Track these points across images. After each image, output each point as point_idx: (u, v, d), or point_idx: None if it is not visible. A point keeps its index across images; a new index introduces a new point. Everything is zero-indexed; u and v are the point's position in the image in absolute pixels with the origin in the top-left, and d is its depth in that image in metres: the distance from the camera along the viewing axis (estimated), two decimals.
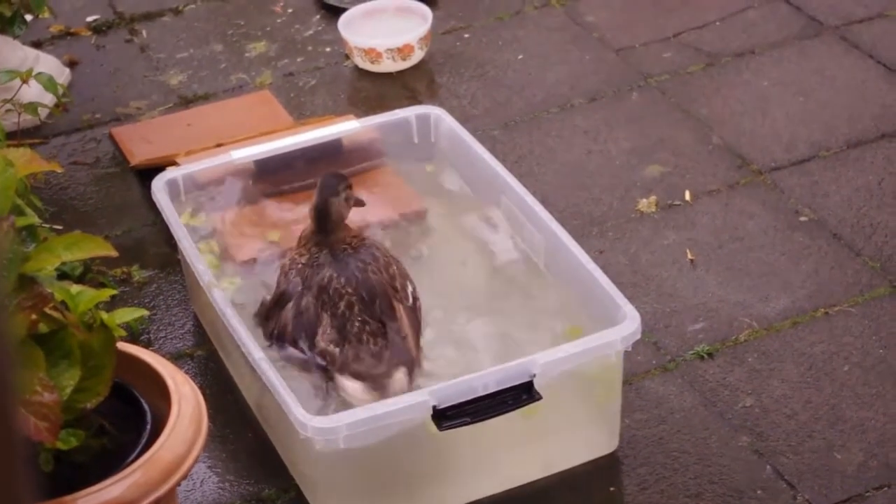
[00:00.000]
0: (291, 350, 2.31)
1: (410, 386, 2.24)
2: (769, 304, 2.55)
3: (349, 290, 2.30)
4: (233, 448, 2.34)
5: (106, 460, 1.86)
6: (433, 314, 2.42)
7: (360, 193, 2.47)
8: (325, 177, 2.40)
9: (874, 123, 2.99)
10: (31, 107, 2.71)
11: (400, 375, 2.24)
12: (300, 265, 2.36)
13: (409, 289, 2.35)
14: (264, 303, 2.39)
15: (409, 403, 2.08)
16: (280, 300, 2.35)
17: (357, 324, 2.28)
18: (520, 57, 3.26)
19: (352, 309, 2.29)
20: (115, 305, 2.36)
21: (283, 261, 2.42)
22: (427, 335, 2.36)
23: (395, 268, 2.35)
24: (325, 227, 2.37)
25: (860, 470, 2.24)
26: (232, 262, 2.53)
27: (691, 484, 2.23)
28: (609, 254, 2.67)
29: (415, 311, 2.34)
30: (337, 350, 2.26)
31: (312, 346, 2.29)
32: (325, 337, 2.28)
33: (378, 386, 2.24)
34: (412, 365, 2.27)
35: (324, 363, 2.28)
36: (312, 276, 2.33)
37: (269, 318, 2.36)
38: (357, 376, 2.25)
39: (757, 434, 2.31)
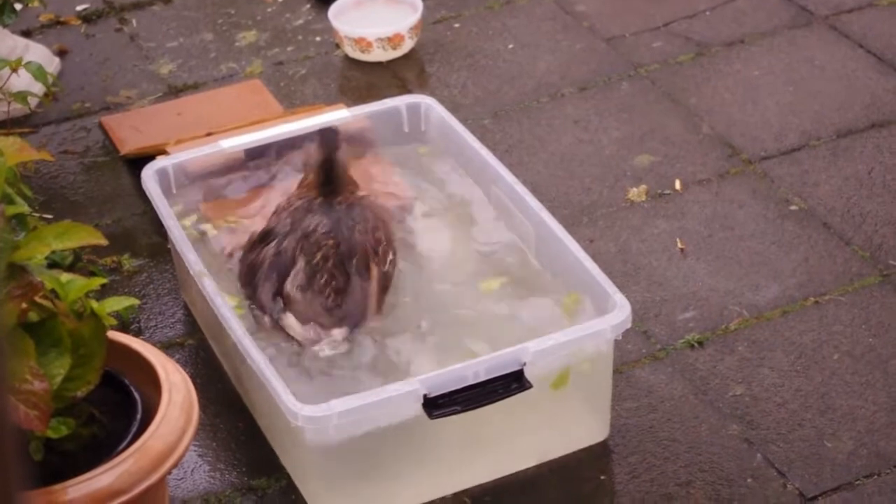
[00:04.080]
0: (262, 291, 2.36)
1: (344, 343, 2.31)
2: (759, 292, 2.55)
3: (329, 243, 2.36)
4: (223, 437, 2.34)
5: (96, 449, 1.86)
6: (423, 303, 2.42)
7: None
8: (325, 132, 2.48)
9: (864, 113, 2.99)
10: (21, 96, 2.70)
11: (338, 333, 2.31)
12: (294, 208, 2.42)
13: (390, 256, 2.41)
14: (252, 238, 2.43)
15: (400, 392, 2.08)
16: (265, 237, 2.40)
17: (325, 276, 2.34)
18: (510, 46, 3.26)
19: (326, 261, 2.35)
20: (105, 294, 2.36)
21: (280, 203, 2.47)
22: (416, 321, 2.37)
23: (381, 233, 2.41)
24: (333, 181, 2.43)
25: (850, 458, 2.25)
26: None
27: (682, 472, 2.24)
28: (599, 243, 2.68)
29: (388, 276, 2.40)
30: (300, 295, 2.32)
31: (280, 288, 2.34)
32: (293, 281, 2.34)
33: (317, 333, 2.31)
34: (360, 323, 2.34)
35: (282, 306, 2.34)
36: (301, 220, 2.39)
37: (250, 251, 2.41)
38: (302, 319, 2.32)
39: (747, 422, 2.31)
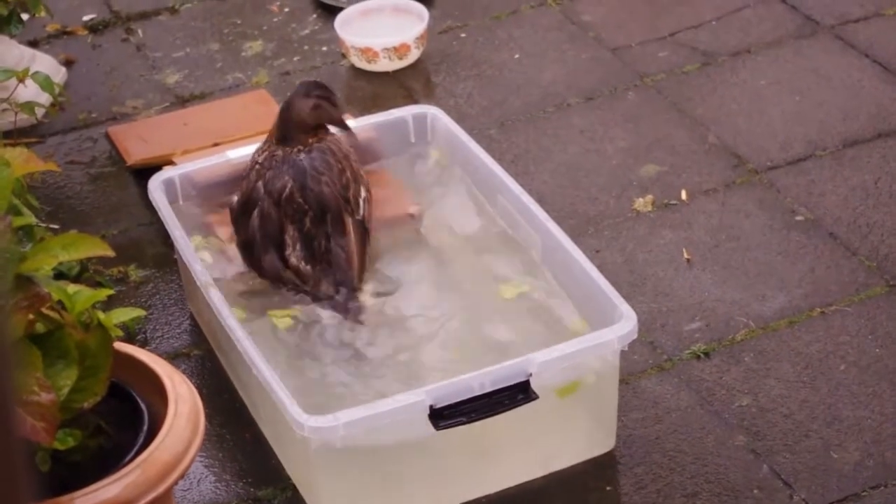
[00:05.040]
0: (265, 261, 2.42)
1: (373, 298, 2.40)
2: (765, 303, 2.55)
3: (309, 206, 2.41)
4: (230, 447, 2.34)
5: (103, 460, 1.86)
6: (429, 314, 2.42)
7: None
8: (302, 82, 2.52)
9: (870, 122, 2.99)
10: (28, 106, 2.70)
11: (368, 297, 2.39)
12: (258, 166, 2.46)
13: (362, 195, 2.45)
14: (232, 209, 2.48)
15: (406, 403, 2.08)
16: (246, 208, 2.45)
17: (323, 242, 2.40)
18: (516, 56, 3.26)
19: (316, 226, 2.41)
20: (111, 305, 2.36)
21: (247, 162, 2.51)
22: (423, 333, 2.37)
23: (348, 174, 2.45)
24: (285, 127, 2.47)
25: (857, 469, 2.25)
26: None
27: (688, 483, 2.23)
28: (605, 253, 2.68)
29: (363, 224, 2.44)
30: (309, 268, 2.40)
31: (284, 260, 2.41)
32: (294, 254, 2.41)
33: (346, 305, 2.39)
34: (352, 281, 2.40)
35: (297, 281, 2.41)
36: (271, 180, 2.43)
37: (238, 226, 2.47)
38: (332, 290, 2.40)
39: (753, 433, 2.31)
